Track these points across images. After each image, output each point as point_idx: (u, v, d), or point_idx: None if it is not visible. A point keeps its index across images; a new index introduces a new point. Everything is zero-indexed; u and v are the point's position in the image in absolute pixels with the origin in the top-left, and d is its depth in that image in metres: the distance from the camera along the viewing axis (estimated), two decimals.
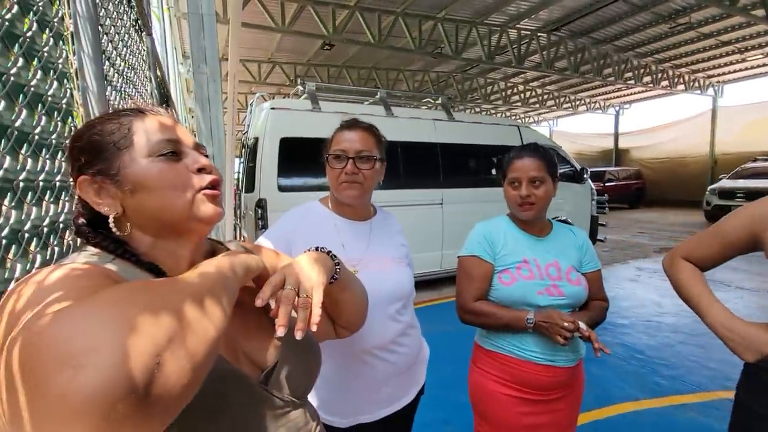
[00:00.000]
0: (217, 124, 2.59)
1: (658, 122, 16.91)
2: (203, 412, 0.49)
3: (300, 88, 4.61)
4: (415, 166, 4.74)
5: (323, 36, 8.17)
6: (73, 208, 0.59)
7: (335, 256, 0.72)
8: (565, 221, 1.29)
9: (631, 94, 16.05)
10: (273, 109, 4.10)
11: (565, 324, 1.09)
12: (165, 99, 3.50)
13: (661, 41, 10.28)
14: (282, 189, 3.98)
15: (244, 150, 4.80)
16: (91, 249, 0.54)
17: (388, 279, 1.11)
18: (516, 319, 1.18)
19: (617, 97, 16.66)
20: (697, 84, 13.73)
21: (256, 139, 4.18)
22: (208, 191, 0.57)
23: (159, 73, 2.96)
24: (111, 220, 0.54)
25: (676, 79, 13.00)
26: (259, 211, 3.88)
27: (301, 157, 3.99)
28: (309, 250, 0.70)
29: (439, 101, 5.52)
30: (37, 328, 0.32)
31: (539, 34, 9.60)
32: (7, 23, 0.69)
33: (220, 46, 4.20)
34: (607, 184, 13.98)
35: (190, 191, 0.55)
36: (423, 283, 4.89)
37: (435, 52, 9.40)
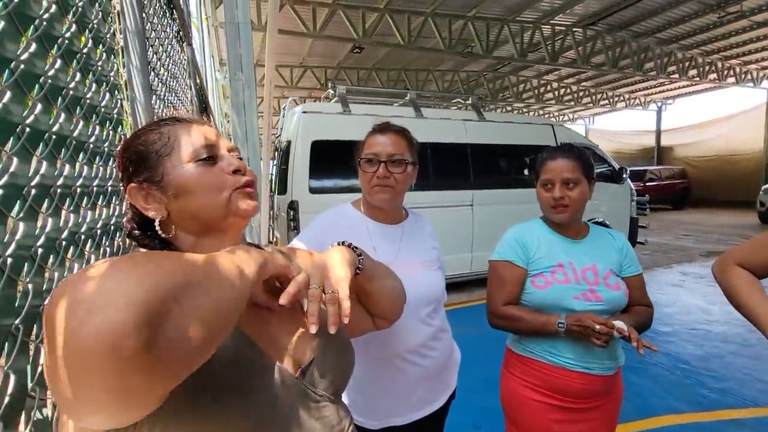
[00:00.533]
0: (252, 129, 2.68)
1: (705, 117, 15.92)
2: (243, 403, 0.51)
3: (331, 91, 4.68)
4: (445, 167, 4.70)
5: (353, 39, 8.27)
6: (124, 212, 0.65)
7: (357, 248, 0.74)
8: (601, 223, 1.23)
9: (675, 88, 15.17)
10: (305, 112, 4.19)
11: (597, 327, 1.04)
12: (204, 105, 3.66)
13: (708, 32, 9.66)
14: (313, 191, 4.06)
15: (276, 153, 4.93)
16: (140, 250, 0.59)
17: (420, 282, 1.11)
18: (546, 323, 1.15)
19: (660, 92, 15.79)
20: (749, 76, 12.79)
21: (289, 143, 4.28)
22: (243, 189, 0.61)
23: (198, 81, 3.10)
24: (157, 223, 0.59)
25: (725, 72, 12.18)
26: (291, 213, 3.98)
27: (332, 159, 4.05)
28: (330, 247, 0.71)
29: (470, 101, 5.45)
30: (64, 282, 0.37)
31: (575, 29, 9.27)
32: (67, 41, 0.74)
33: (254, 53, 4.34)
34: (647, 184, 13.31)
35: (227, 190, 0.60)
36: (452, 286, 4.84)
37: (465, 51, 9.28)
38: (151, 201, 0.59)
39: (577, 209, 1.22)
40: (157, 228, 0.59)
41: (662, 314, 3.99)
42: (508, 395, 1.27)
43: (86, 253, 0.79)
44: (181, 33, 2.33)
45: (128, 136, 0.63)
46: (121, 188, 1.03)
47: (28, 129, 0.60)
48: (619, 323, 1.05)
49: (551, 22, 8.94)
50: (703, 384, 2.70)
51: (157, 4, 1.63)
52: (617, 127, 20.95)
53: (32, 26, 0.65)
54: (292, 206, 3.99)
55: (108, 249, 0.90)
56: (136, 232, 0.61)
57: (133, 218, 0.62)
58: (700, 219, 11.53)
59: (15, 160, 0.57)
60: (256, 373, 0.55)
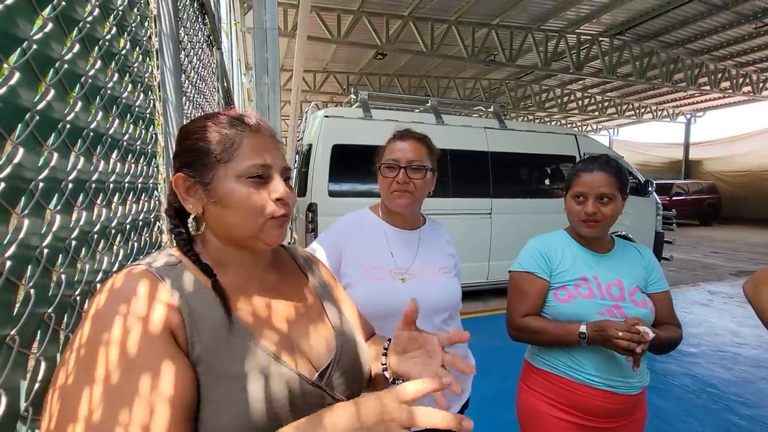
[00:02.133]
0: (276, 131, 2.72)
1: (737, 131, 15.32)
2: (260, 405, 0.52)
3: (353, 96, 4.73)
4: (465, 174, 4.67)
5: (376, 46, 8.34)
6: (167, 191, 0.67)
7: None
8: (625, 237, 1.19)
9: (706, 100, 14.67)
10: (327, 117, 4.24)
11: (620, 333, 0.99)
12: (230, 107, 3.75)
13: (743, 43, 9.32)
14: (332, 194, 4.09)
15: (298, 156, 5.01)
16: (167, 251, 0.61)
17: (436, 289, 1.10)
18: (567, 333, 1.11)
19: (689, 104, 15.30)
20: None
21: (310, 146, 4.34)
22: (278, 219, 0.62)
23: (225, 84, 3.18)
24: (192, 218, 0.62)
25: (761, 84, 11.71)
26: (310, 215, 4.02)
27: (352, 163, 4.08)
28: None
29: (491, 109, 5.41)
30: None
31: (601, 38, 9.10)
32: (107, 43, 0.78)
33: (280, 57, 4.43)
34: (674, 198, 12.86)
35: (263, 217, 0.61)
36: (468, 294, 4.78)
37: (488, 59, 9.23)
38: (193, 195, 0.61)
39: (608, 225, 1.18)
40: (190, 222, 0.62)
41: (688, 334, 3.82)
42: (526, 410, 1.24)
43: (115, 246, 0.82)
44: (211, 37, 2.40)
45: (192, 122, 0.64)
46: (151, 184, 1.06)
47: (68, 126, 0.63)
48: (643, 328, 1.01)
49: (577, 31, 8.81)
50: (731, 410, 2.57)
51: (191, 10, 1.69)
52: (643, 138, 20.35)
53: (76, 28, 0.68)
54: (311, 209, 4.04)
55: (136, 243, 0.92)
56: (172, 213, 0.63)
57: (172, 200, 0.64)
58: (729, 236, 11.06)
59: (55, 155, 0.59)
60: (280, 388, 0.56)
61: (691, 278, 6.21)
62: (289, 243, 0.83)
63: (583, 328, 1.09)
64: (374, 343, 0.80)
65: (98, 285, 0.73)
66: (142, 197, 1.00)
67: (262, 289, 0.65)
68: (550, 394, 1.18)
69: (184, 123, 0.70)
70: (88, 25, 0.70)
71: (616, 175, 1.16)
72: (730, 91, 11.30)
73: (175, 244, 0.62)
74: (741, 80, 11.22)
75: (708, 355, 3.41)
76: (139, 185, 0.96)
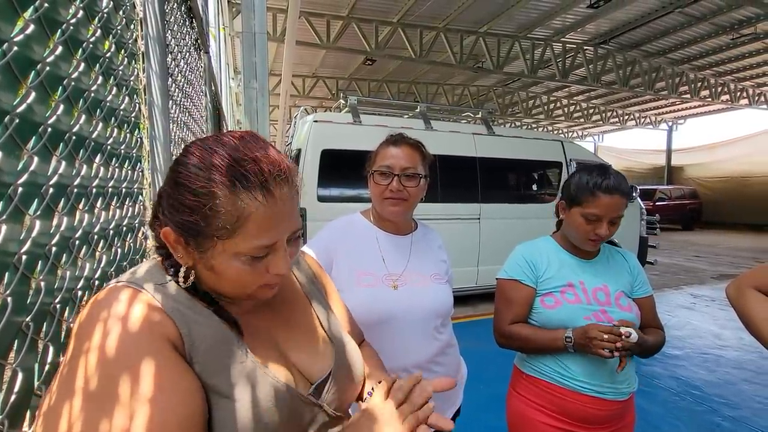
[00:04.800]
0: (264, 135, 2.71)
1: (717, 138, 15.79)
2: (252, 419, 0.51)
3: (342, 101, 4.74)
4: (453, 179, 4.70)
5: (366, 52, 8.39)
6: (152, 223, 0.60)
7: None
8: (610, 242, 1.20)
9: (687, 108, 15.10)
10: (316, 122, 4.24)
11: (605, 337, 1.01)
12: (217, 112, 3.72)
13: (721, 53, 9.65)
14: (321, 199, 4.07)
15: None
16: (153, 263, 0.58)
17: (428, 295, 1.09)
18: (554, 339, 1.12)
19: (671, 111, 15.73)
20: (763, 98, 12.70)
21: (299, 151, 4.32)
22: (269, 287, 0.57)
23: (213, 88, 3.16)
24: (182, 270, 0.55)
25: (738, 93, 12.11)
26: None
27: (340, 168, 4.08)
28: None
29: (479, 115, 5.47)
30: None
31: (585, 47, 9.32)
32: (91, 46, 0.76)
33: (268, 62, 4.42)
34: (657, 204, 13.16)
35: (254, 286, 0.56)
36: (457, 299, 4.78)
37: (476, 66, 9.36)
38: (183, 251, 0.54)
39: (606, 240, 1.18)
40: (181, 274, 0.55)
41: (672, 337, 3.90)
42: (516, 417, 1.24)
43: (98, 252, 0.80)
44: (199, 41, 2.38)
45: (197, 171, 0.51)
46: (135, 189, 1.04)
47: (49, 129, 0.61)
48: (626, 329, 1.03)
49: (562, 39, 9.00)
50: (715, 411, 2.61)
51: (178, 13, 1.67)
52: (627, 145, 20.85)
53: (59, 30, 0.66)
54: (300, 214, 4.00)
55: (119, 250, 0.90)
56: (155, 231, 0.58)
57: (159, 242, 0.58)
58: (711, 240, 11.35)
59: (36, 159, 0.58)
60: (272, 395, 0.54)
61: (674, 282, 6.34)
62: None
63: (569, 333, 1.09)
64: (365, 359, 0.77)
65: (80, 292, 0.71)
66: (127, 202, 0.98)
67: (257, 304, 0.63)
68: (539, 400, 1.18)
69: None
70: (71, 28, 0.68)
71: (628, 195, 1.14)
72: (710, 99, 11.67)
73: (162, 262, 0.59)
74: (719, 89, 11.59)
75: (692, 357, 3.47)
76: (123, 190, 0.94)
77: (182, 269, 0.55)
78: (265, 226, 0.52)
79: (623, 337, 1.02)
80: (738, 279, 1.03)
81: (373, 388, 0.64)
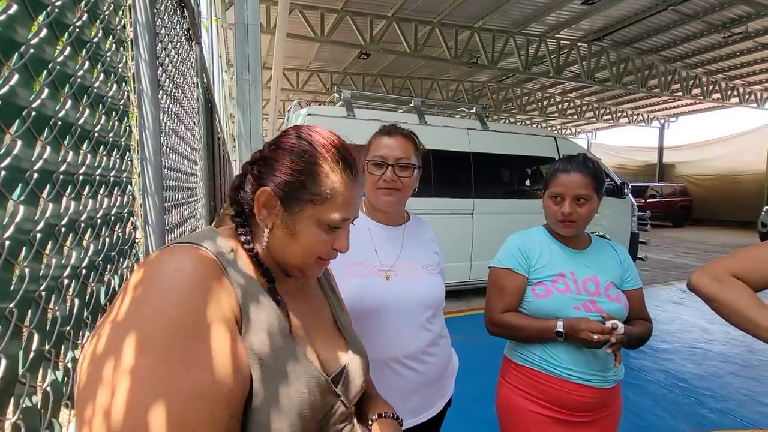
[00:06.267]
0: (257, 129, 2.69)
1: (708, 136, 16.02)
2: (299, 409, 0.52)
3: (336, 95, 4.71)
4: (447, 174, 4.71)
5: (360, 45, 8.34)
6: (235, 183, 0.64)
7: (398, 417, 0.75)
8: (602, 237, 1.22)
9: (679, 106, 15.26)
10: (309, 115, 4.21)
11: (596, 338, 1.03)
12: (209, 104, 3.68)
13: (713, 51, 9.74)
14: None
15: None
16: (214, 234, 0.59)
17: (420, 285, 1.10)
18: (545, 329, 1.13)
19: (663, 109, 15.88)
20: (753, 97, 12.86)
21: None
22: (323, 261, 0.64)
23: (205, 80, 3.12)
24: (266, 232, 0.60)
25: (729, 92, 12.25)
26: None
27: None
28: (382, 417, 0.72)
29: (474, 110, 5.47)
30: None
31: (580, 44, 9.35)
32: (77, 30, 0.74)
33: (262, 55, 4.38)
34: (649, 200, 13.30)
35: (314, 258, 0.62)
36: (450, 294, 4.82)
37: (470, 61, 9.35)
38: (269, 211, 0.59)
39: (583, 224, 1.20)
40: (265, 236, 0.60)
41: (661, 331, 3.96)
42: (504, 405, 1.25)
43: (85, 241, 0.79)
44: (190, 31, 2.35)
45: (306, 141, 0.60)
46: (123, 178, 1.02)
47: (33, 113, 0.60)
48: (613, 322, 1.05)
49: (557, 36, 9.02)
50: (702, 404, 2.66)
51: (168, 2, 1.64)
52: (620, 142, 21.02)
53: (44, 12, 0.65)
54: None
55: (107, 239, 0.89)
56: (238, 219, 0.62)
57: (242, 197, 0.61)
58: (700, 237, 11.51)
59: (19, 143, 0.57)
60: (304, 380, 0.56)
61: (664, 277, 6.43)
62: None
63: (560, 326, 1.11)
64: None
65: (66, 281, 0.70)
66: (115, 191, 0.96)
67: (290, 294, 0.65)
68: (527, 388, 1.19)
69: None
70: (56, 10, 0.67)
71: (592, 175, 1.18)
72: (701, 97, 11.78)
73: (228, 232, 0.61)
74: (711, 87, 11.71)
75: (680, 351, 3.53)
76: (112, 179, 0.93)
77: (266, 231, 0.59)
78: (349, 202, 0.60)
79: (612, 332, 1.03)
80: (708, 269, 0.97)
81: (379, 415, 0.71)
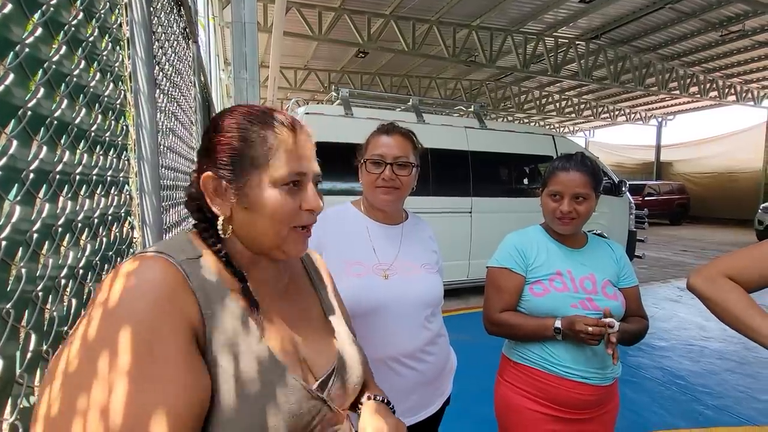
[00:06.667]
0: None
1: (705, 134, 16.07)
2: (257, 415, 0.51)
3: (334, 94, 4.70)
4: (445, 173, 4.71)
5: (358, 44, 8.32)
6: (187, 192, 0.63)
7: (389, 403, 0.74)
8: (600, 235, 1.22)
9: (676, 104, 15.29)
10: (307, 114, 4.20)
11: (591, 329, 1.04)
12: (207, 103, 3.66)
13: (710, 50, 9.76)
14: None
15: None
16: (183, 238, 0.58)
17: (419, 285, 1.10)
18: (542, 326, 1.14)
19: (660, 107, 15.91)
20: (750, 95, 12.91)
21: None
22: (301, 230, 0.60)
23: (202, 79, 3.11)
24: (220, 221, 0.58)
25: (726, 90, 12.28)
26: None
27: (332, 161, 4.03)
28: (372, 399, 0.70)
29: (472, 109, 5.47)
30: None
31: (577, 42, 9.35)
32: (73, 29, 0.74)
33: (259, 53, 4.36)
34: (646, 198, 13.33)
35: (287, 227, 0.58)
36: (448, 292, 4.83)
37: (468, 60, 9.35)
38: (221, 196, 0.57)
39: (581, 223, 1.21)
40: (220, 225, 0.58)
41: (658, 329, 3.98)
42: (502, 403, 1.26)
43: (82, 241, 0.78)
44: (187, 30, 2.34)
45: (226, 117, 0.59)
46: (120, 177, 1.02)
47: (29, 113, 0.59)
48: (610, 320, 1.05)
49: (554, 34, 9.02)
50: (699, 400, 2.68)
51: (165, 0, 1.63)
52: (617, 140, 21.07)
53: (39, 11, 0.64)
54: None
55: (105, 239, 0.89)
56: (198, 216, 0.60)
57: (196, 198, 0.60)
58: (697, 235, 11.55)
59: (15, 142, 0.56)
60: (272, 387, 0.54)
61: (661, 275, 6.45)
62: None
63: (557, 324, 1.11)
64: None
65: (63, 281, 0.70)
66: (112, 191, 0.96)
67: (273, 293, 0.64)
68: (525, 386, 1.20)
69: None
70: (52, 9, 0.66)
71: (591, 174, 1.19)
72: (698, 95, 11.81)
73: (196, 235, 0.60)
74: (708, 85, 11.74)
75: (677, 348, 3.55)
76: (109, 178, 0.92)
77: (220, 219, 0.57)
78: (295, 154, 0.58)
79: (608, 327, 1.04)
80: (704, 269, 0.99)
81: (368, 397, 0.69)
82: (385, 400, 0.72)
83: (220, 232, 0.58)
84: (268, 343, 0.56)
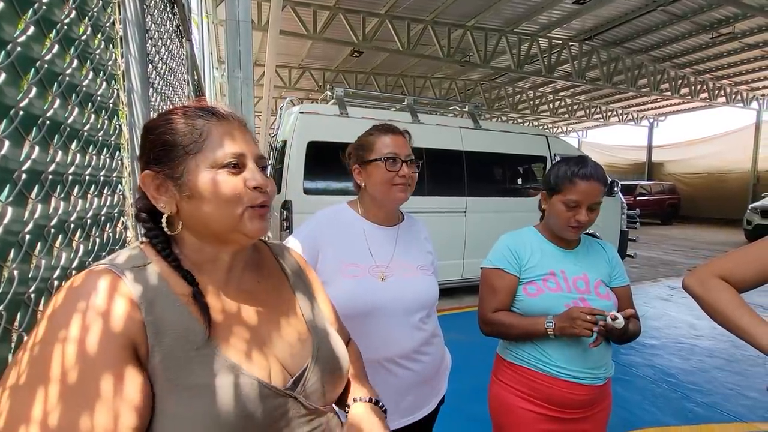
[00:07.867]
0: (249, 127, 2.66)
1: (696, 135, 16.27)
2: (222, 420, 0.50)
3: (329, 93, 4.69)
4: (440, 173, 4.72)
5: (353, 43, 8.31)
6: (137, 192, 0.63)
7: (382, 405, 0.73)
8: (592, 235, 1.23)
9: (667, 105, 15.47)
10: (302, 113, 4.18)
11: (588, 317, 1.03)
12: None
13: (701, 52, 9.89)
14: (307, 192, 4.04)
15: (272, 153, 4.91)
16: (134, 249, 0.58)
17: (414, 286, 1.10)
18: (535, 324, 1.14)
19: (652, 108, 16.09)
20: (739, 97, 13.10)
21: (285, 142, 4.27)
22: (257, 209, 0.59)
23: (196, 77, 3.08)
24: (164, 218, 0.58)
25: (716, 92, 12.46)
26: (284, 213, 3.96)
27: (327, 160, 4.04)
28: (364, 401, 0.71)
29: (466, 109, 5.49)
30: None
31: (571, 43, 9.42)
32: (65, 27, 0.73)
33: (253, 52, 4.34)
34: (638, 198, 13.48)
35: (241, 206, 0.58)
36: (443, 292, 4.83)
37: (463, 60, 9.37)
38: (164, 193, 0.57)
39: (587, 227, 1.21)
40: (164, 223, 0.58)
41: (649, 327, 4.02)
42: (497, 403, 1.27)
43: (75, 242, 0.78)
44: (181, 28, 2.32)
45: (157, 116, 0.60)
46: (114, 177, 1.01)
47: (21, 112, 0.59)
48: (614, 313, 1.04)
49: (548, 35, 9.07)
50: (689, 398, 2.72)
51: None
52: (610, 140, 21.26)
53: (31, 10, 0.64)
54: (286, 206, 3.97)
55: (98, 239, 0.88)
56: (145, 217, 0.60)
57: (142, 202, 0.60)
58: (688, 234, 11.70)
59: (7, 143, 0.56)
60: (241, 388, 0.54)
61: (652, 274, 6.53)
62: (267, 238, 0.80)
63: (550, 318, 1.12)
64: (351, 361, 0.76)
65: (56, 282, 0.69)
66: (105, 191, 0.95)
67: (238, 291, 0.63)
68: (519, 386, 1.21)
69: (151, 117, 0.67)
70: (44, 7, 0.66)
71: (604, 183, 1.18)
72: (689, 97, 11.96)
73: (148, 245, 0.59)
74: (698, 87, 11.89)
75: (668, 346, 3.59)
76: (102, 178, 0.92)
77: (164, 216, 0.57)
78: (227, 136, 0.58)
79: (611, 319, 1.03)
80: (698, 270, 1.03)
81: (354, 399, 0.69)
82: (373, 400, 0.71)
83: (166, 230, 0.58)
84: (220, 345, 0.55)
